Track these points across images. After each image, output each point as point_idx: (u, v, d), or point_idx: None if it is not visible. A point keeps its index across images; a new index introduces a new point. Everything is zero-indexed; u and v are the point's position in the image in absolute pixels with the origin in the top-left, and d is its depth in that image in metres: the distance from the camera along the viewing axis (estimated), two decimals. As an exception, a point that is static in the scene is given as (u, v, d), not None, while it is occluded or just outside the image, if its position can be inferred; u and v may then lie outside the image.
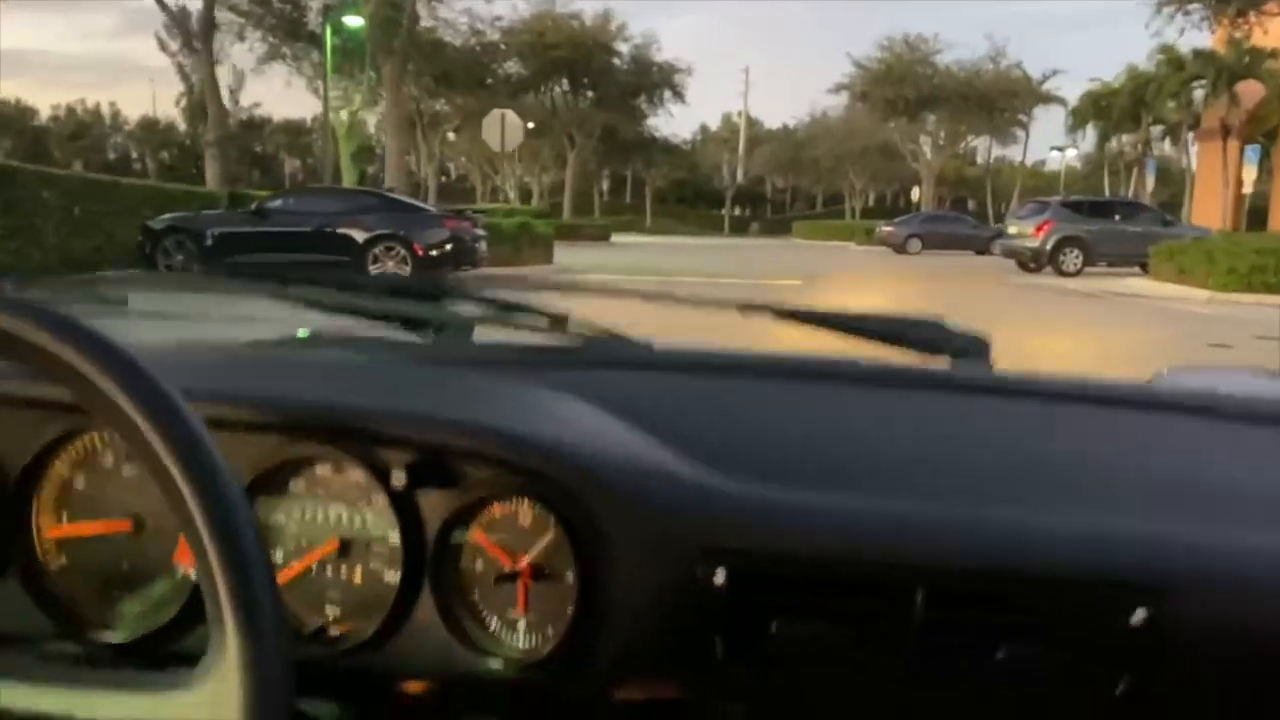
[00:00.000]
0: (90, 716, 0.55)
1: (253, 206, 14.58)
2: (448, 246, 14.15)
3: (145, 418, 0.54)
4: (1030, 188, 53.23)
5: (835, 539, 0.79)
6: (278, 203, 14.71)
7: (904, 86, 49.26)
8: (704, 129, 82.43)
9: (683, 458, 0.84)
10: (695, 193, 77.25)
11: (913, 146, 53.66)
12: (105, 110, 78.16)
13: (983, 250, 32.91)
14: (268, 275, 1.22)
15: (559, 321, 1.22)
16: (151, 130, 74.89)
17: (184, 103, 47.79)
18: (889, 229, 35.41)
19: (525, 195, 54.22)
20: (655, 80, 49.65)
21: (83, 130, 74.53)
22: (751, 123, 76.14)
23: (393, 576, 0.86)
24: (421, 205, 15.32)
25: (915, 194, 54.54)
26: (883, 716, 0.84)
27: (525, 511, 0.85)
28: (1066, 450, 0.95)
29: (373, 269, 13.75)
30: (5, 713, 0.56)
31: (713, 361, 1.15)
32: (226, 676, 0.53)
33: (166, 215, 14.17)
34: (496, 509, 0.86)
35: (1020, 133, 55.87)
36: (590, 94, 47.91)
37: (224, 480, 0.56)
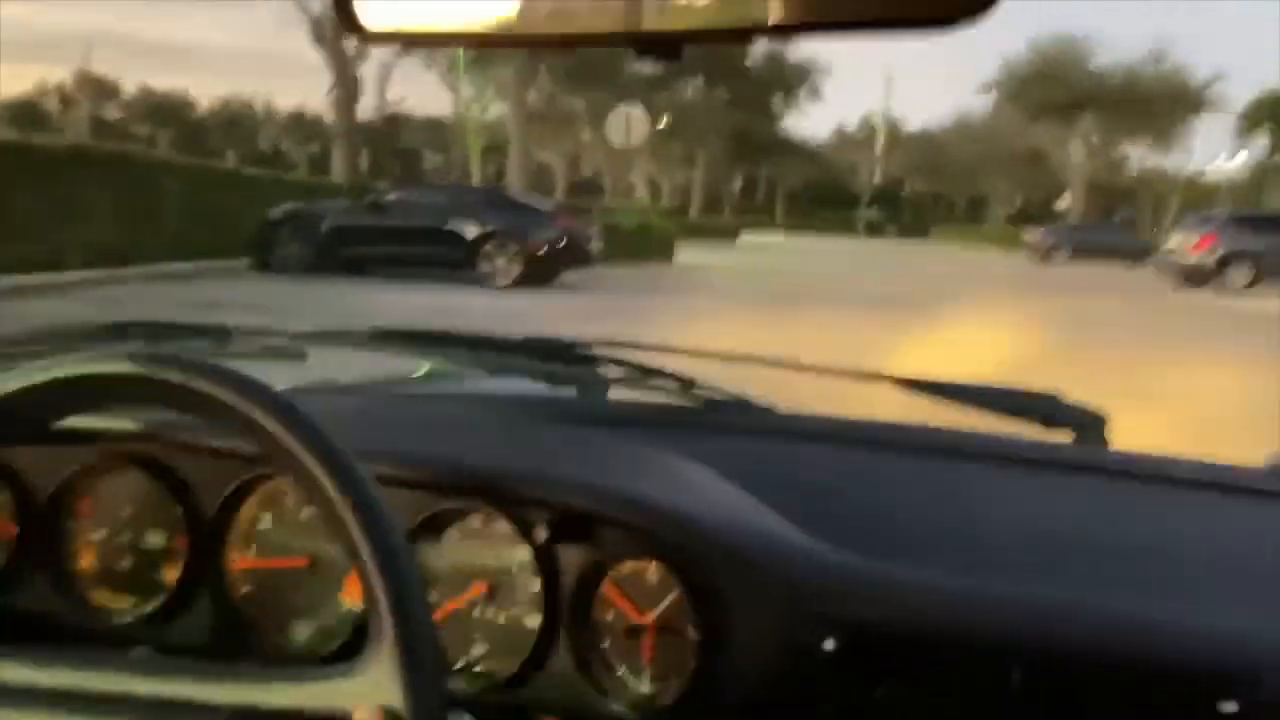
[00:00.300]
0: (261, 701, 0.63)
1: (368, 199, 14.42)
2: (560, 244, 13.73)
3: (324, 474, 0.63)
4: (1187, 199, 50.27)
5: (940, 615, 0.84)
6: (393, 196, 14.47)
7: (1055, 87, 46.93)
8: (840, 131, 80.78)
9: (800, 528, 0.91)
10: (829, 193, 75.58)
11: (1061, 152, 51.17)
12: (259, 104, 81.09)
13: (1135, 263, 31.02)
14: (418, 337, 1.39)
15: (687, 384, 1.29)
16: (299, 123, 77.14)
17: (333, 96, 48.98)
18: (1034, 237, 33.71)
19: (656, 193, 53.96)
20: (790, 79, 48.61)
21: (236, 122, 77.32)
22: (891, 125, 74.16)
23: (533, 621, 0.94)
24: (533, 203, 14.91)
25: (1062, 202, 51.91)
26: None
27: (653, 570, 0.92)
28: (1175, 535, 1.01)
29: (483, 266, 13.48)
30: (184, 702, 0.64)
31: (833, 430, 1.22)
32: (388, 664, 0.60)
33: (285, 205, 14.12)
34: (627, 566, 0.93)
35: (1178, 140, 52.77)
36: (724, 92, 47.11)
37: (387, 522, 0.65)
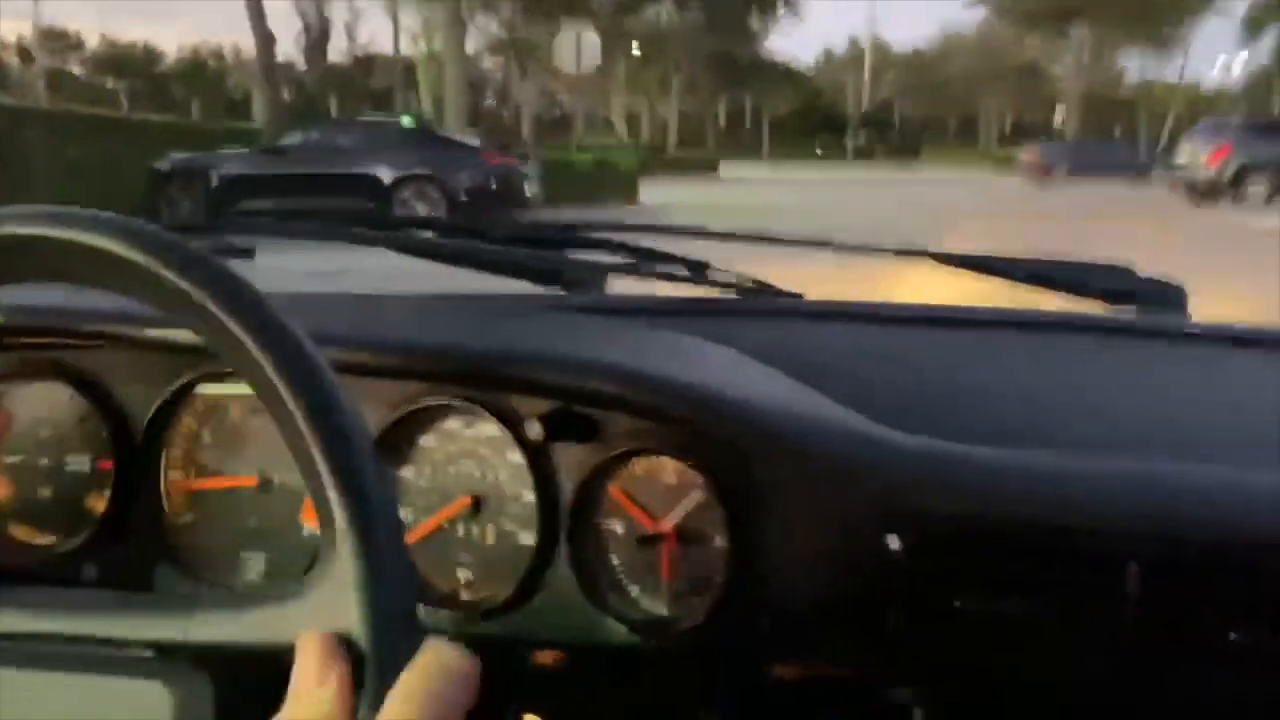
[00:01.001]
0: (202, 639, 0.51)
1: (264, 144, 12.50)
2: (489, 186, 11.88)
3: (271, 356, 0.50)
4: (1186, 110, 48.07)
5: (1030, 501, 0.70)
6: (296, 139, 12.50)
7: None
8: (828, 54, 78.04)
9: (852, 412, 0.77)
10: (817, 121, 73.30)
11: (1055, 65, 48.85)
12: (228, 51, 78.35)
13: (1137, 179, 29.15)
14: (395, 226, 1.24)
15: (699, 269, 1.15)
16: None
17: (303, 41, 46.91)
18: (1030, 155, 31.62)
19: (634, 128, 51.69)
20: (767, -4, 46.02)
21: (198, 71, 74.73)
22: (879, 46, 71.53)
23: (527, 537, 0.81)
24: (459, 139, 12.87)
25: (1056, 118, 49.60)
26: (1082, 706, 0.74)
27: (670, 469, 0.78)
28: (1272, 402, 0.88)
29: (399, 215, 11.58)
30: (113, 640, 0.53)
31: (875, 312, 1.07)
32: (342, 582, 0.47)
33: (175, 155, 12.21)
34: (637, 465, 0.79)
35: (1176, 48, 50.39)
36: (698, 14, 44.61)
37: (336, 398, 0.50)
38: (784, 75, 61.43)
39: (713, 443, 0.75)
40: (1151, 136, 51.06)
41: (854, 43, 74.91)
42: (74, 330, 0.87)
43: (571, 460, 0.79)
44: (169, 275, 0.50)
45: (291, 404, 0.49)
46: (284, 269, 1.13)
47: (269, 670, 0.47)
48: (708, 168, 35.39)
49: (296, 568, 0.83)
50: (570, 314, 1.04)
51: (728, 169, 38.65)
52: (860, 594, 0.72)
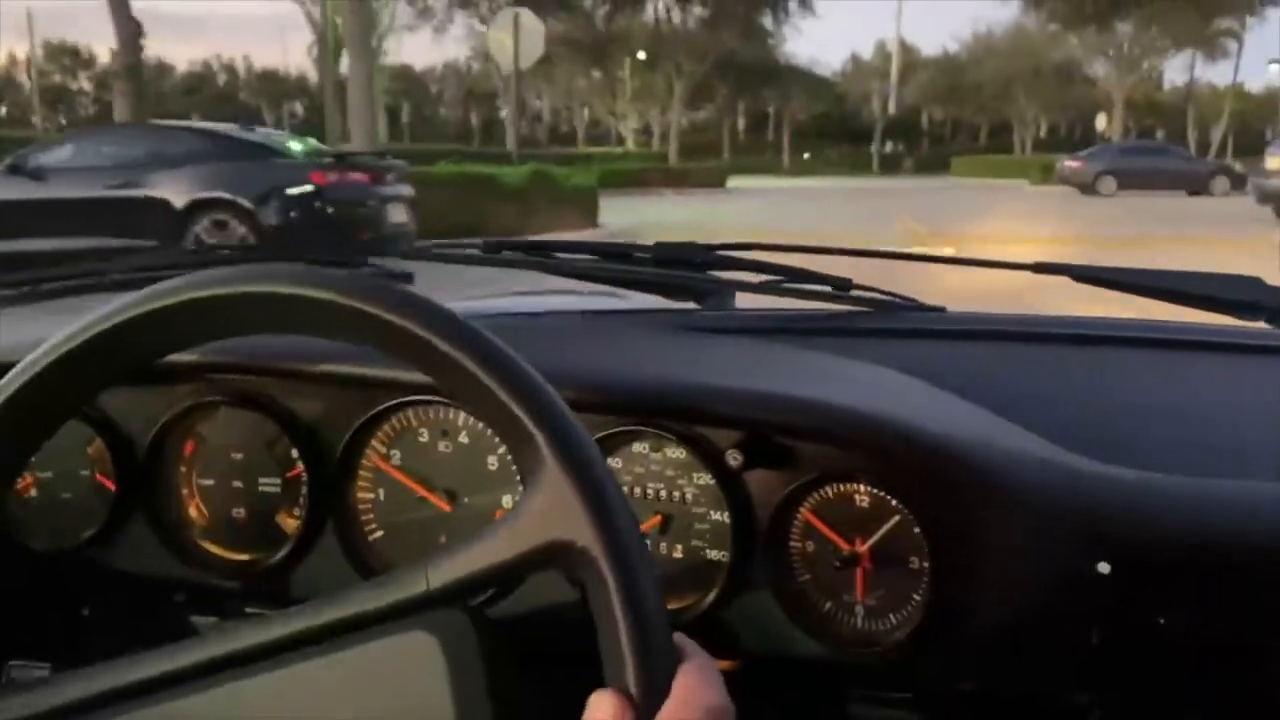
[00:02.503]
0: (443, 582, 0.56)
1: (7, 162, 8.88)
2: (317, 208, 8.39)
3: (510, 396, 0.54)
4: (1238, 113, 43.97)
5: (1225, 523, 0.74)
6: (57, 154, 9.00)
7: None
8: (855, 59, 74.35)
9: (1045, 442, 0.80)
10: (840, 128, 69.57)
11: (1096, 65, 44.87)
12: (240, 65, 75.95)
13: (1198, 190, 25.26)
14: (533, 250, 1.23)
15: (843, 285, 1.13)
16: (272, 81, 72.09)
17: (315, 52, 44.05)
18: (1074, 164, 27.61)
19: (644, 138, 48.26)
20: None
21: (200, 84, 72.28)
22: (907, 49, 67.65)
23: (716, 554, 0.86)
24: (279, 148, 9.19)
25: (1100, 123, 45.44)
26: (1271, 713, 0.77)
27: (862, 494, 0.83)
28: None
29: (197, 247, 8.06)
30: (366, 614, 0.56)
31: (1025, 328, 1.07)
32: (553, 484, 0.53)
33: None
34: (829, 490, 0.84)
35: (1230, 47, 46.30)
36: (699, 10, 40.97)
37: (585, 442, 0.55)
38: (805, 80, 57.76)
39: (912, 473, 0.79)
40: (1200, 144, 46.90)
41: (881, 46, 71.20)
42: (265, 366, 0.92)
43: (762, 484, 0.84)
44: (431, 341, 0.54)
45: (556, 465, 0.53)
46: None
47: (498, 582, 0.54)
48: (713, 181, 31.75)
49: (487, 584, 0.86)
50: (719, 335, 1.04)
51: (740, 181, 35.16)
52: (1063, 613, 0.76)
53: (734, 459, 0.81)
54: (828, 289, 1.12)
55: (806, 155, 63.35)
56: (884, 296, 1.13)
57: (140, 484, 0.96)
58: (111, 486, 0.97)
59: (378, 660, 0.55)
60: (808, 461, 0.82)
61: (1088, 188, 26.30)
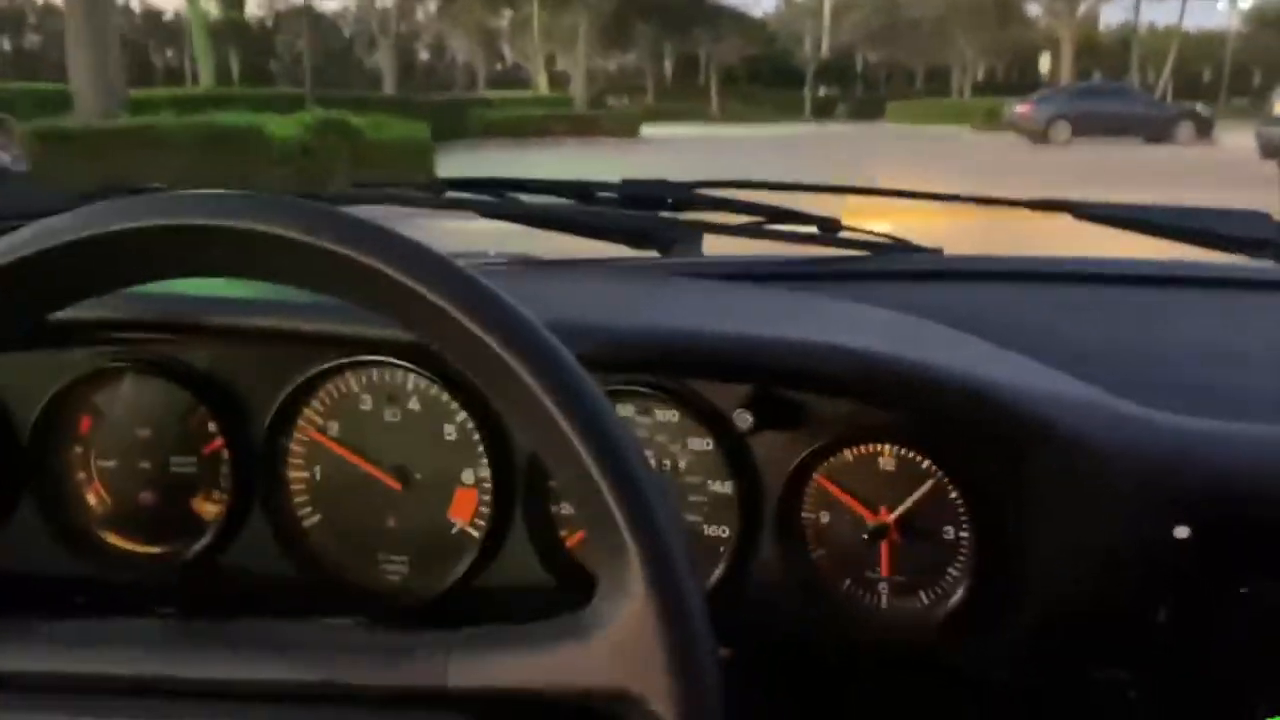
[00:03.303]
0: (466, 685, 0.46)
1: None
2: None
3: (609, 485, 0.45)
4: (1187, 56, 41.62)
5: None
6: None
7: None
8: (789, 1, 70.93)
9: (1085, 384, 0.72)
10: (772, 71, 66.30)
11: (1034, 6, 42.06)
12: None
13: (1159, 138, 22.60)
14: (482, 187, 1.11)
15: (831, 226, 1.06)
16: (156, 24, 66.78)
17: None
18: (1024, 109, 24.73)
19: (556, 80, 44.57)
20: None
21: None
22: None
23: (716, 530, 0.77)
24: None
25: (1043, 65, 42.56)
26: None
27: (887, 456, 0.73)
28: None
29: None
30: (367, 687, 0.48)
31: (1032, 268, 1.01)
32: (637, 620, 0.43)
33: None
34: (850, 453, 0.74)
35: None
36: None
37: (603, 408, 0.46)
38: (735, 21, 54.43)
39: (950, 426, 0.69)
40: (1144, 88, 44.70)
41: (814, -13, 67.86)
42: (176, 322, 0.79)
43: (769, 448, 0.73)
44: (423, 291, 0.45)
45: (649, 603, 0.43)
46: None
47: (532, 708, 0.45)
48: (625, 130, 28.41)
49: (449, 570, 0.78)
50: (701, 280, 0.94)
51: (658, 128, 31.92)
52: (1129, 589, 0.68)
53: (743, 420, 0.71)
54: (814, 230, 1.04)
55: (738, 102, 60.12)
56: (877, 238, 1.06)
57: (26, 468, 0.82)
58: None
59: None
60: (826, 420, 0.72)
61: (1038, 135, 23.51)
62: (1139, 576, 0.67)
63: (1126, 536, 0.67)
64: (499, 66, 63.48)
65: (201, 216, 0.46)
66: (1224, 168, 14.32)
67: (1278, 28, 46.14)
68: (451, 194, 1.10)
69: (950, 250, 1.07)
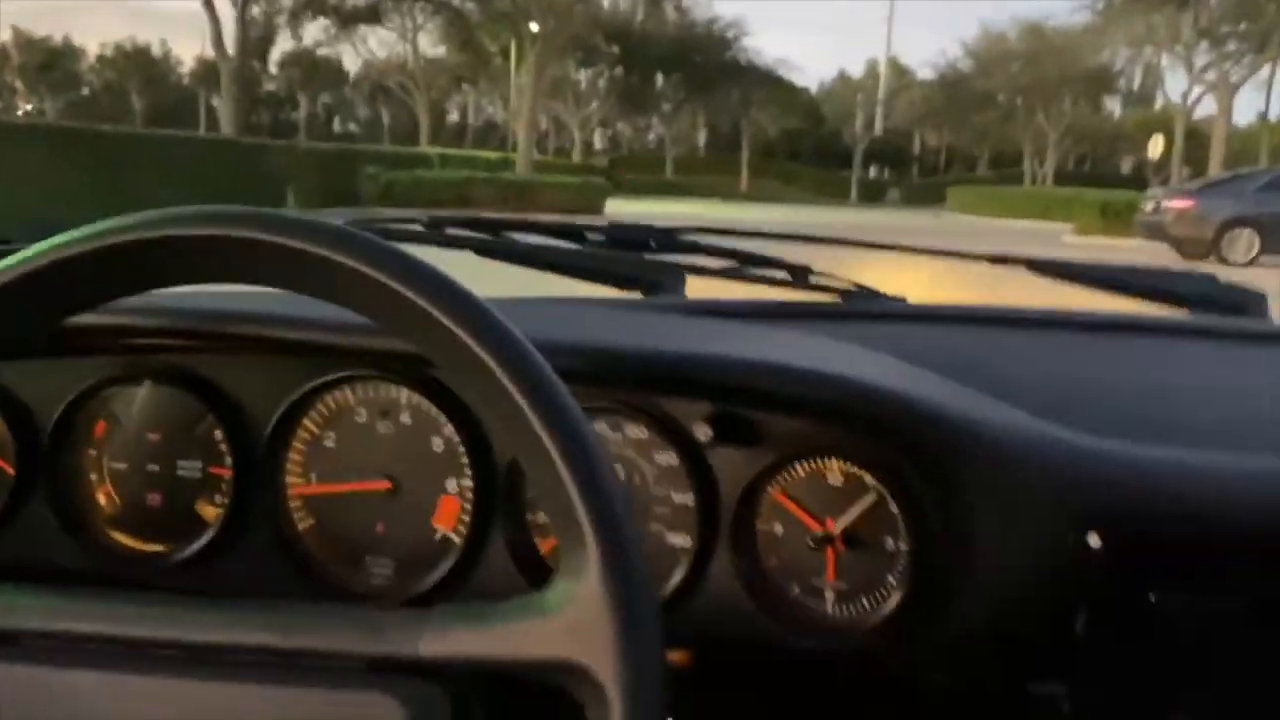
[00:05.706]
0: (436, 654, 0.50)
1: None
2: None
3: (572, 475, 0.50)
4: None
5: (1219, 499, 0.73)
6: None
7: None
8: (843, 75, 63.36)
9: (1024, 413, 0.78)
10: (817, 147, 58.41)
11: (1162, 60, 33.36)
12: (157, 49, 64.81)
13: None
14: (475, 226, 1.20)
15: (801, 272, 1.13)
16: (129, 59, 60.86)
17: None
18: (1180, 203, 15.62)
19: (545, 141, 36.57)
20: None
21: (52, 62, 60.82)
22: (901, 70, 56.53)
23: (678, 539, 0.82)
24: None
25: (1150, 150, 33.24)
26: (1270, 703, 0.76)
27: (835, 472, 0.79)
28: None
29: None
30: (338, 653, 0.51)
31: (991, 315, 1.08)
32: (591, 601, 0.48)
33: None
34: (801, 468, 0.80)
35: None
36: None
37: (575, 413, 0.51)
38: (771, 86, 46.42)
39: (893, 446, 0.76)
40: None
41: (872, 66, 60.24)
42: (190, 331, 0.85)
43: (728, 462, 0.80)
44: (414, 300, 0.50)
45: (600, 583, 0.48)
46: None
47: (499, 679, 0.50)
48: (579, 205, 19.91)
49: (430, 573, 0.83)
50: (677, 315, 1.00)
51: (650, 205, 23.79)
52: (1049, 595, 0.74)
53: (703, 433, 0.77)
54: (787, 276, 1.12)
55: (774, 178, 52.03)
56: (845, 285, 1.13)
57: (43, 468, 0.88)
58: (10, 470, 0.88)
59: (331, 707, 0.51)
60: (780, 437, 0.79)
61: (1200, 247, 14.67)
62: (1057, 584, 0.73)
63: (1046, 546, 0.72)
64: (469, 120, 56.62)
65: (254, 230, 0.50)
66: None
67: None
68: (450, 231, 1.16)
69: (914, 300, 1.13)
